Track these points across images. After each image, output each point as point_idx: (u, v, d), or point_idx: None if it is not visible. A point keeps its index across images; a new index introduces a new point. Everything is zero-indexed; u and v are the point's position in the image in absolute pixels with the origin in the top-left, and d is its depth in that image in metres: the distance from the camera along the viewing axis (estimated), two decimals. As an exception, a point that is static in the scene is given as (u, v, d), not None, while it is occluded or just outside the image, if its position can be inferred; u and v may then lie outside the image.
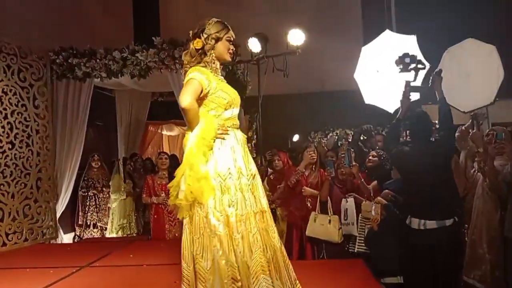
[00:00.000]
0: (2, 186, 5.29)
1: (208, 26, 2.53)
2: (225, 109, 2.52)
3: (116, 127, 8.26)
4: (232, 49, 2.59)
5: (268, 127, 6.64)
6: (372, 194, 4.26)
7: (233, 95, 2.56)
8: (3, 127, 5.39)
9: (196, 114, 2.46)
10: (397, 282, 3.77)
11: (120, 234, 6.51)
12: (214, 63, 2.54)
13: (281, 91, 9.13)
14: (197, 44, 2.51)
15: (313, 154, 4.61)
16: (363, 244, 4.21)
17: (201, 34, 2.53)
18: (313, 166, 4.67)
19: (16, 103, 5.60)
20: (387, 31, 5.24)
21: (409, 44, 4.86)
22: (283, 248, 2.58)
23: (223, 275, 2.32)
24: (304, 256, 4.52)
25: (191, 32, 2.61)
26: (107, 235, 6.58)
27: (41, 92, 6.00)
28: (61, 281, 3.73)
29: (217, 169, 2.44)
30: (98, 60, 6.36)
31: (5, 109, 5.43)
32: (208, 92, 2.47)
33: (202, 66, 2.52)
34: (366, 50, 5.29)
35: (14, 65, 5.59)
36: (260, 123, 5.83)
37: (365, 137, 5.93)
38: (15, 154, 5.51)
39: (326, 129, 9.84)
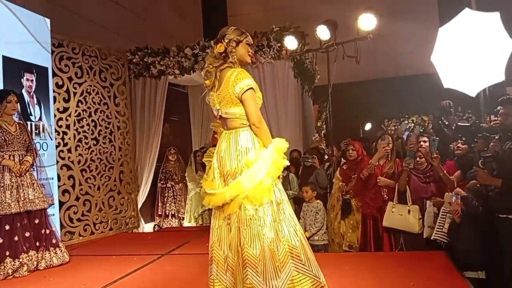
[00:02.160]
0: (88, 180, 5.71)
1: (229, 32, 2.67)
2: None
3: (190, 122, 8.55)
4: (251, 52, 2.75)
5: (339, 116, 6.47)
6: (455, 185, 4.02)
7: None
8: (88, 124, 5.80)
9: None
10: (477, 277, 3.52)
11: (197, 223, 6.74)
12: (236, 64, 2.67)
13: (352, 79, 8.86)
14: (219, 48, 2.66)
15: (386, 147, 4.44)
16: (441, 233, 3.99)
17: (222, 40, 2.67)
18: (389, 156, 4.50)
19: (99, 102, 6.00)
20: (466, 9, 4.86)
21: (492, 22, 4.47)
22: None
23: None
24: (381, 247, 4.38)
25: (214, 40, 2.76)
26: (185, 225, 6.84)
27: (120, 90, 6.36)
28: (144, 267, 3.95)
29: None
30: (171, 58, 6.62)
31: (89, 108, 5.84)
32: None
33: (228, 67, 2.65)
34: (444, 31, 4.95)
35: (95, 66, 5.98)
36: (330, 112, 5.70)
37: (445, 119, 5.52)
38: (99, 150, 5.92)
39: (401, 116, 9.38)
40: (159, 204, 7.06)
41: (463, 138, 4.46)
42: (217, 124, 2.84)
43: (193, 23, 10.21)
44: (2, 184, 3.81)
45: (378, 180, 4.40)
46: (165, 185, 7.06)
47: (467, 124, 4.37)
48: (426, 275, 3.35)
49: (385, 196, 4.38)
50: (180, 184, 7.05)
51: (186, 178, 6.95)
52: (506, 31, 4.32)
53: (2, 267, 3.72)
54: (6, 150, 3.88)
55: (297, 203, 5.11)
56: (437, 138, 4.27)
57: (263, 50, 6.21)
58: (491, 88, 5.06)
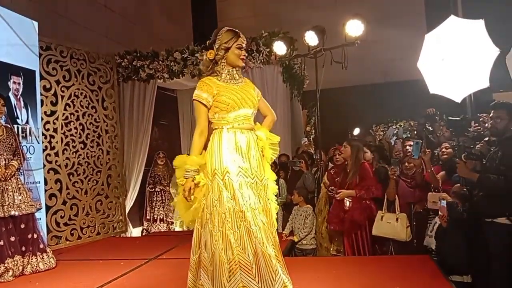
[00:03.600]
0: (76, 184, 5.66)
1: (219, 36, 2.68)
2: (228, 112, 2.63)
3: (179, 126, 8.53)
4: (243, 55, 2.72)
5: (327, 121, 6.52)
6: (440, 185, 4.08)
7: (237, 97, 2.65)
8: (75, 128, 5.76)
9: (202, 144, 2.67)
10: (463, 281, 3.57)
11: (184, 227, 6.72)
12: (225, 71, 2.70)
13: (340, 84, 8.93)
14: (210, 55, 2.69)
15: (337, 157, 4.56)
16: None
17: (213, 45, 2.69)
18: (346, 166, 4.50)
19: (87, 105, 5.97)
20: (452, 17, 4.94)
21: (477, 29, 4.55)
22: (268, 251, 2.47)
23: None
24: (374, 253, 4.41)
25: (207, 42, 2.77)
26: (176, 229, 6.82)
27: (109, 94, 6.34)
28: (131, 272, 3.93)
29: (214, 167, 2.58)
30: (160, 61, 6.62)
31: (77, 111, 5.80)
32: (213, 101, 2.65)
33: (214, 75, 2.70)
34: (430, 38, 5.02)
35: (83, 69, 5.95)
36: (318, 117, 5.75)
37: (430, 126, 5.61)
38: (87, 153, 5.88)
39: (389, 121, 9.48)
40: (148, 209, 7.03)
41: (453, 132, 4.50)
42: None
43: (183, 28, 10.22)
44: (-13, 188, 3.76)
45: (337, 196, 4.41)
46: (153, 189, 7.04)
47: (457, 118, 4.44)
48: (412, 279, 3.39)
49: (347, 206, 4.37)
50: (168, 188, 7.03)
51: (171, 182, 6.91)
52: (490, 38, 4.40)
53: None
54: (-8, 154, 3.83)
55: (286, 208, 5.14)
56: (421, 141, 4.33)
57: (253, 55, 6.24)
58: (476, 94, 5.14)
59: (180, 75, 6.63)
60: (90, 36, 6.75)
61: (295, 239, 4.56)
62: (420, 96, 5.78)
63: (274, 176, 2.86)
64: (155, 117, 6.93)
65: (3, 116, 4.07)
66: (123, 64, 6.61)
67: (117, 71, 6.57)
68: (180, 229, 6.73)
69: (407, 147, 4.96)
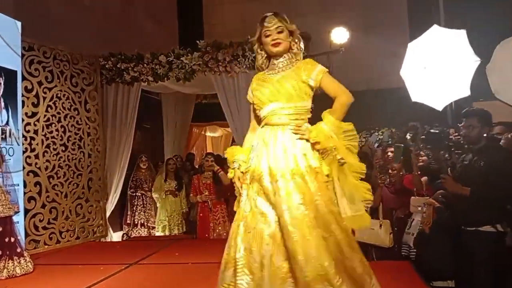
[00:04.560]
0: (56, 187, 5.56)
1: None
2: (261, 108, 2.47)
3: (163, 129, 8.48)
4: (273, 39, 2.45)
5: (311, 127, 6.55)
6: (424, 189, 4.14)
7: (269, 91, 2.44)
8: (57, 130, 5.67)
9: (252, 139, 2.55)
10: (447, 286, 3.62)
11: (165, 233, 6.66)
12: (264, 64, 2.56)
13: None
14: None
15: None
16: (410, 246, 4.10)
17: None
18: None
19: (69, 107, 5.87)
20: (435, 26, 5.04)
21: (458, 39, 4.66)
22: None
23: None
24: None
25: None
26: (157, 234, 6.75)
27: (92, 96, 6.25)
28: (110, 277, 3.87)
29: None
30: (145, 64, 6.56)
31: (58, 113, 5.71)
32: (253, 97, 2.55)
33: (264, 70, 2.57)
34: (413, 46, 5.12)
35: (66, 71, 5.87)
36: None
37: (411, 134, 5.71)
38: (68, 156, 5.78)
39: (371, 128, 9.57)
40: (128, 213, 6.94)
41: (428, 146, 4.58)
42: None
43: (169, 31, 10.19)
44: (-36, 191, 3.67)
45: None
46: (135, 194, 6.96)
47: (437, 131, 4.51)
48: (391, 285, 3.40)
49: None
50: (150, 193, 6.95)
51: (153, 186, 6.85)
52: (472, 48, 4.50)
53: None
54: (-31, 155, 3.74)
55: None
56: (402, 145, 4.39)
57: (238, 59, 6.24)
58: (457, 103, 5.24)
59: (165, 78, 6.59)
60: (74, 37, 6.66)
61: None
62: (402, 103, 5.88)
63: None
64: (139, 120, 6.87)
65: (-18, 116, 3.98)
66: (107, 66, 6.53)
67: (101, 73, 6.49)
68: (162, 234, 6.66)
69: (389, 153, 5.02)
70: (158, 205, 6.78)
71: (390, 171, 4.66)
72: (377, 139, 8.47)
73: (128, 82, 6.60)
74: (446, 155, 4.09)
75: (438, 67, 4.49)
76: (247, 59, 6.24)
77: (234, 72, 6.31)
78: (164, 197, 6.66)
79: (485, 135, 3.42)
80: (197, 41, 6.41)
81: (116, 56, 6.59)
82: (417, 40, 5.12)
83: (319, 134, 2.33)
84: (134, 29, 8.70)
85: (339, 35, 5.38)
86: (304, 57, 5.56)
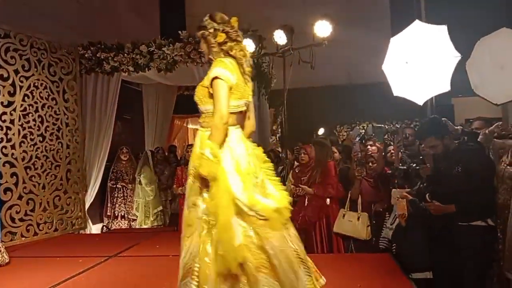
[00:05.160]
0: (33, 178, 5.44)
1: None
2: None
3: (143, 121, 8.38)
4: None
5: (293, 120, 6.57)
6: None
7: None
8: (34, 120, 5.53)
9: None
10: (425, 277, 3.68)
11: (152, 225, 6.64)
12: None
13: (307, 84, 9.03)
14: (220, 38, 2.52)
15: (302, 156, 4.65)
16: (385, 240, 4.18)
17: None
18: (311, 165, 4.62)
19: (47, 97, 5.74)
20: (417, 21, 5.07)
21: (440, 34, 4.70)
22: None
23: None
24: (332, 250, 4.50)
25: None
26: (138, 226, 6.70)
27: (70, 86, 6.12)
28: (89, 270, 3.82)
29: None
30: (125, 54, 6.45)
31: (36, 102, 5.57)
32: None
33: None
34: (395, 41, 5.15)
35: (44, 59, 5.72)
36: (285, 116, 5.78)
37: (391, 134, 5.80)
38: (45, 147, 5.66)
39: (353, 122, 9.68)
40: (108, 205, 6.85)
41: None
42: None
43: (151, 22, 10.01)
44: None
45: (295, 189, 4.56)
46: (115, 185, 6.86)
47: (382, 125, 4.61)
48: (372, 276, 3.46)
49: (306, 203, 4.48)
50: (131, 185, 6.87)
51: (141, 178, 6.77)
52: (452, 43, 4.56)
53: None
54: None
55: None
56: (384, 126, 4.46)
57: (220, 51, 6.19)
58: (437, 98, 5.31)
59: (146, 69, 6.49)
60: (53, 26, 6.46)
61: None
62: (384, 98, 5.92)
63: None
64: (119, 111, 6.76)
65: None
66: (86, 55, 6.39)
67: (80, 62, 6.35)
68: (143, 226, 6.61)
69: (368, 147, 5.07)
70: (150, 198, 6.71)
71: (370, 164, 4.70)
72: (358, 132, 8.58)
73: (108, 72, 6.48)
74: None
75: (419, 62, 4.52)
76: (230, 51, 6.20)
77: (216, 63, 6.25)
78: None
79: (453, 141, 3.47)
80: (179, 32, 6.34)
81: (95, 45, 6.46)
82: (399, 35, 5.14)
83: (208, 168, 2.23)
84: (115, 19, 8.53)
85: (322, 28, 5.36)
86: (287, 50, 5.54)
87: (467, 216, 3.29)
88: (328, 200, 4.50)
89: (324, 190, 4.47)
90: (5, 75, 5.22)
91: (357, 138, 7.45)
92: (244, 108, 2.44)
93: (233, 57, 2.43)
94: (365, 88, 9.25)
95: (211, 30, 2.47)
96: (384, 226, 4.33)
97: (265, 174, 2.42)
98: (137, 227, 6.67)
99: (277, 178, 2.46)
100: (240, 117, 2.45)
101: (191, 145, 5.62)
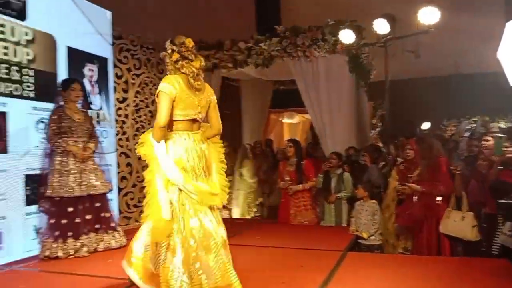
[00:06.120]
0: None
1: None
2: None
3: (241, 116, 8.61)
4: None
5: (395, 114, 6.27)
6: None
7: None
8: (145, 115, 5.97)
9: None
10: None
11: (248, 216, 6.82)
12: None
13: (410, 75, 8.57)
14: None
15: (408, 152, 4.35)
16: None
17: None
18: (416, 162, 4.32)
19: (156, 94, 6.12)
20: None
21: None
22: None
23: None
24: (440, 252, 4.21)
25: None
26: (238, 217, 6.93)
27: (175, 83, 6.47)
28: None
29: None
30: (225, 51, 6.68)
31: (146, 98, 6.00)
32: None
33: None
34: (512, 26, 4.66)
35: (153, 58, 6.13)
36: (386, 109, 5.55)
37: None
38: (155, 140, 6.05)
39: (462, 116, 8.91)
40: (210, 195, 7.13)
41: None
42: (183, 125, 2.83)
43: (246, 17, 10.23)
44: (67, 169, 3.97)
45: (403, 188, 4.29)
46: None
47: None
48: (485, 283, 3.16)
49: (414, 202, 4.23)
50: (230, 177, 7.09)
51: (243, 171, 6.97)
52: None
53: (65, 246, 3.90)
54: (71, 136, 4.02)
55: (352, 203, 5.00)
56: (504, 136, 4.03)
57: (318, 44, 6.13)
58: None
59: (244, 65, 6.66)
60: (158, 25, 6.91)
61: (365, 236, 4.43)
62: (497, 89, 5.41)
63: None
64: (219, 106, 6.99)
65: (80, 101, 4.26)
66: (189, 53, 6.72)
67: (183, 60, 6.68)
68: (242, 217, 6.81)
69: (483, 142, 4.65)
70: (251, 190, 6.94)
71: (481, 161, 4.30)
72: (468, 127, 7.91)
73: (209, 69, 6.76)
74: None
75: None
76: (326, 43, 6.12)
77: (313, 57, 6.21)
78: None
79: None
80: (275, 27, 6.39)
81: (197, 43, 6.72)
82: (518, 18, 4.65)
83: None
84: (213, 16, 8.85)
85: (428, 15, 5.04)
86: (389, 39, 5.31)
87: None
88: (438, 198, 4.20)
89: (433, 188, 4.17)
90: (119, 73, 5.68)
91: (467, 133, 6.88)
92: (194, 117, 2.80)
93: (184, 73, 2.79)
94: (474, 79, 8.52)
95: (169, 51, 2.86)
96: (499, 231, 3.94)
97: (217, 170, 2.90)
98: (237, 217, 6.88)
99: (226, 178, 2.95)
100: (191, 124, 2.82)
101: (290, 140, 5.66)
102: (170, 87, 2.70)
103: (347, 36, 5.77)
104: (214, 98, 2.96)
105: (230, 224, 5.90)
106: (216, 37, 6.83)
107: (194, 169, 2.75)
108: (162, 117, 2.67)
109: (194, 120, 2.82)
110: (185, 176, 2.69)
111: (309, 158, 5.73)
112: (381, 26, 5.42)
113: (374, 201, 4.58)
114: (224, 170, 2.95)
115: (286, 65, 6.50)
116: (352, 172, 5.27)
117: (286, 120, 11.11)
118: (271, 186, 6.44)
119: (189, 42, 2.89)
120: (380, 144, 6.31)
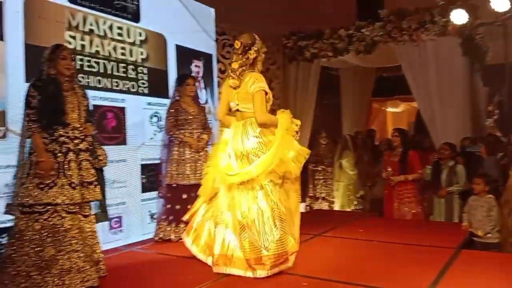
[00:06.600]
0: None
1: (257, 42, 3.39)
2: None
3: (340, 105, 8.43)
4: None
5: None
6: None
7: None
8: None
9: None
10: None
11: (349, 208, 6.69)
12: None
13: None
14: (252, 54, 3.37)
15: None
16: None
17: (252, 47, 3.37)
18: None
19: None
20: None
21: None
22: None
23: None
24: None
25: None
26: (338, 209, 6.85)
27: (276, 74, 6.56)
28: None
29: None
30: (324, 40, 6.57)
31: (247, 91, 6.14)
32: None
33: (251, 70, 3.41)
34: None
35: (256, 52, 6.23)
36: (505, 95, 5.03)
37: None
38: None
39: None
40: (310, 186, 7.13)
41: None
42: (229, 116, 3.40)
43: (346, 4, 9.93)
44: (183, 158, 4.25)
45: None
46: (315, 168, 7.09)
47: None
48: None
49: None
50: (330, 168, 7.01)
51: (344, 162, 6.86)
52: None
53: (177, 230, 4.17)
54: (186, 128, 4.31)
55: (465, 197, 4.64)
56: None
57: (425, 26, 5.75)
58: None
59: (344, 53, 6.50)
60: (257, 17, 7.01)
61: (480, 234, 4.09)
62: None
63: None
64: (318, 96, 6.95)
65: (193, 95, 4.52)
66: (288, 45, 6.74)
67: (283, 52, 6.73)
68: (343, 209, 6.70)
69: None
70: (352, 182, 6.84)
71: None
72: None
73: (308, 59, 6.71)
74: None
75: None
76: (436, 25, 5.71)
77: (420, 41, 5.85)
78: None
79: None
80: (379, 11, 6.12)
81: (296, 34, 6.75)
82: None
83: None
84: (311, 5, 8.71)
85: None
86: (510, 17, 4.75)
87: None
88: None
89: None
90: (223, 68, 5.89)
91: None
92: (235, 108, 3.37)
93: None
94: None
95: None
96: None
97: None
98: (337, 209, 6.79)
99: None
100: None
101: (396, 129, 5.40)
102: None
103: (459, 16, 5.32)
104: (254, 88, 3.28)
105: (330, 216, 5.93)
106: (316, 26, 6.74)
107: (235, 153, 3.19)
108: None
109: (236, 111, 3.33)
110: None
111: (416, 149, 5.42)
112: (500, 3, 4.90)
113: (491, 196, 4.19)
114: (296, 131, 3.41)
115: (390, 51, 6.21)
116: (465, 164, 4.87)
117: (390, 109, 10.64)
118: (374, 178, 6.23)
119: (235, 44, 3.37)
120: (498, 134, 5.75)
